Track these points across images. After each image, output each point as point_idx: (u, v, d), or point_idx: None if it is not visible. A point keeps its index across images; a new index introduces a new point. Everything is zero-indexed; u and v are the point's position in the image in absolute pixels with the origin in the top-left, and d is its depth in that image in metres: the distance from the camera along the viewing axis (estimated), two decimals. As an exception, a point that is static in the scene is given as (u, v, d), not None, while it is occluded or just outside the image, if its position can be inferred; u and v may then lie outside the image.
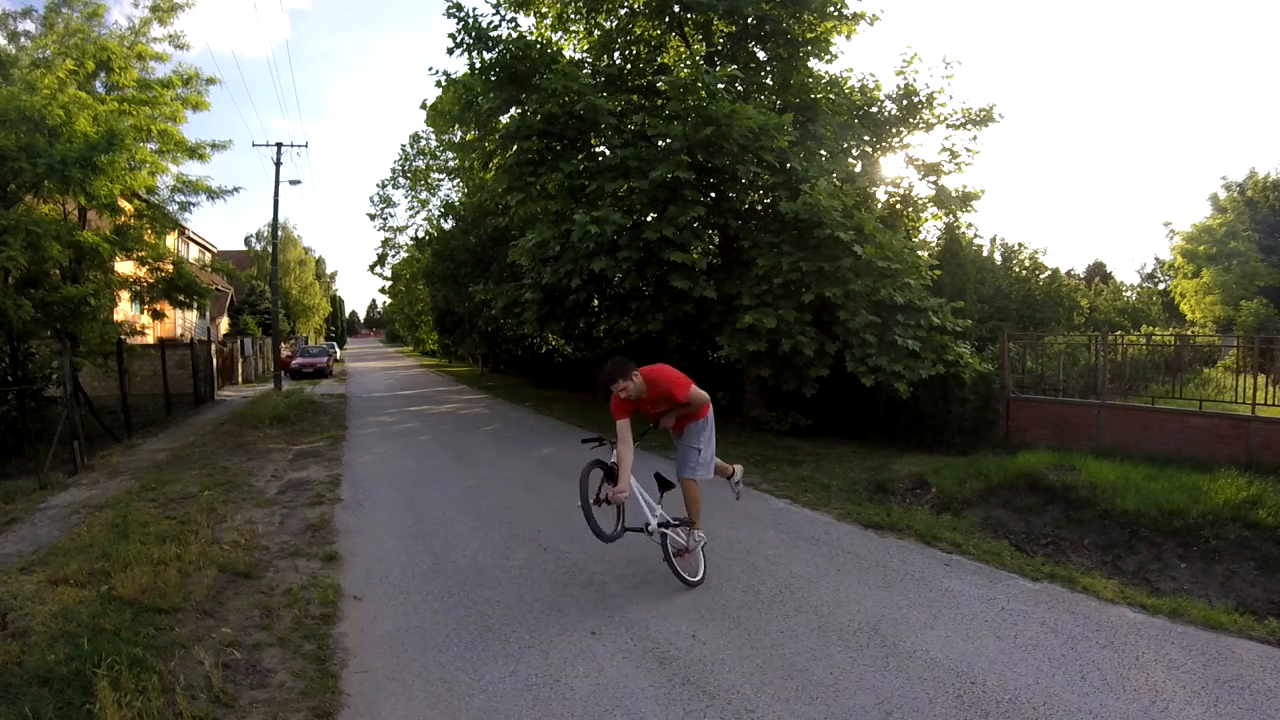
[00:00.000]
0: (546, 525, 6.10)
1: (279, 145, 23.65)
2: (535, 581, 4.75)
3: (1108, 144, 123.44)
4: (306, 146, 70.75)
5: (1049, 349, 11.43)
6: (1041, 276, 19.95)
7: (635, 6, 12.68)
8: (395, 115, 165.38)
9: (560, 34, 13.66)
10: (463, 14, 11.84)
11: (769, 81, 12.48)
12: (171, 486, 7.58)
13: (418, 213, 36.18)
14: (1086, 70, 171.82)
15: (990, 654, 3.61)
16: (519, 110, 12.24)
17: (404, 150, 36.70)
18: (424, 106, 17.42)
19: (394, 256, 38.44)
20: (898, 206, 13.24)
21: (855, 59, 62.31)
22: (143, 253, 12.71)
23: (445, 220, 28.49)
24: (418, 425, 13.44)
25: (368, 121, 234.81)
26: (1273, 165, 32.68)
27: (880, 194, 13.24)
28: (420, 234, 31.96)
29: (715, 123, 9.98)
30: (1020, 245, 21.18)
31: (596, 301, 13.97)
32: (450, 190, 33.46)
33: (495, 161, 13.40)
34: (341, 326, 79.82)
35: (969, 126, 12.96)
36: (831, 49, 12.67)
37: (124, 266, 13.14)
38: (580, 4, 12.91)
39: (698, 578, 4.58)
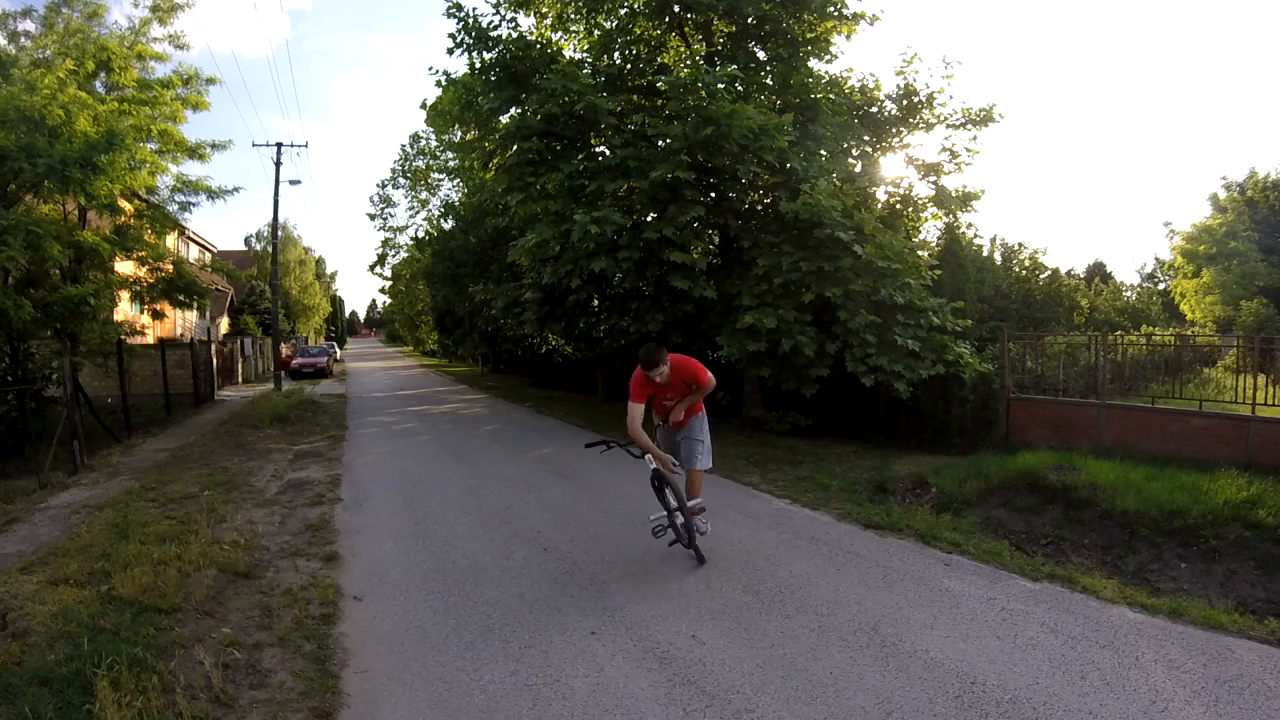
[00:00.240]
0: (546, 525, 6.10)
1: (279, 145, 23.69)
2: (535, 581, 4.75)
3: (1108, 144, 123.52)
4: (306, 146, 70.73)
5: (1049, 349, 11.43)
6: (1041, 276, 19.93)
7: (635, 6, 12.67)
8: (395, 115, 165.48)
9: (560, 34, 13.66)
10: (463, 14, 11.85)
11: (769, 81, 12.48)
12: (171, 486, 7.58)
13: (418, 213, 36.27)
14: (1086, 70, 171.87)
15: (990, 654, 3.61)
16: (519, 110, 12.24)
17: (404, 150, 36.80)
18: (424, 106, 17.45)
19: (394, 256, 38.52)
20: (898, 206, 13.24)
21: (855, 59, 62.41)
22: (143, 253, 12.70)
23: (445, 220, 28.50)
24: (418, 425, 13.44)
25: (368, 121, 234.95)
26: (1273, 165, 32.63)
27: (880, 194, 13.24)
28: (420, 234, 32.00)
29: (715, 123, 9.98)
30: (1020, 245, 21.16)
31: (596, 301, 13.98)
32: (450, 190, 33.53)
33: (495, 161, 13.41)
34: (341, 326, 79.84)
35: (969, 126, 12.96)
36: (831, 49, 12.68)
37: (124, 266, 13.14)
38: (580, 4, 12.91)
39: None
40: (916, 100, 12.91)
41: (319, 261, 60.96)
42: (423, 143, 34.58)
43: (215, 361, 20.61)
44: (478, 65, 12.05)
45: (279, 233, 26.85)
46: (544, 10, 13.37)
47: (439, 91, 13.50)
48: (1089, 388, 10.13)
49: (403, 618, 4.20)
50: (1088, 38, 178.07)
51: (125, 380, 13.31)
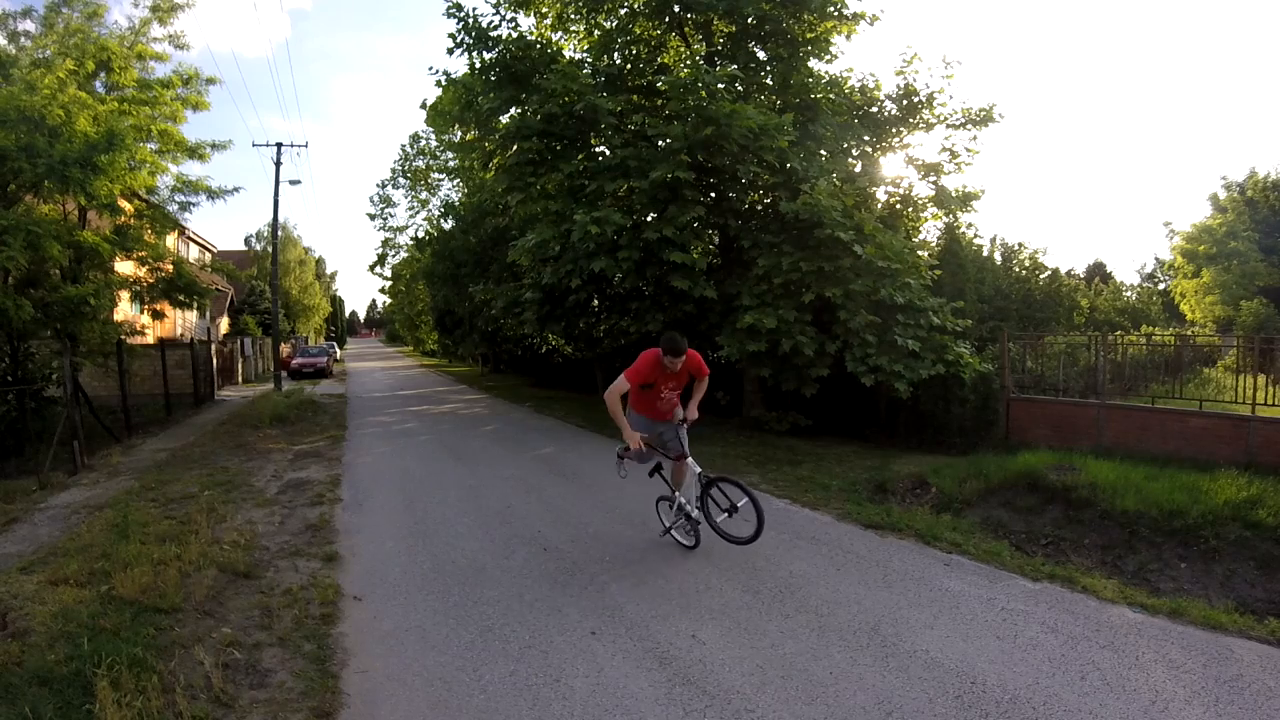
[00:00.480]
0: (546, 525, 6.10)
1: (279, 145, 23.66)
2: (535, 581, 4.75)
3: (1108, 144, 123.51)
4: (306, 146, 70.70)
5: (1049, 349, 11.43)
6: (1041, 276, 19.94)
7: (635, 6, 12.67)
8: (395, 115, 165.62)
9: (560, 34, 13.67)
10: (463, 14, 11.85)
11: (769, 81, 12.48)
12: (171, 486, 7.58)
13: (418, 213, 36.26)
14: (1086, 70, 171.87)
15: (990, 654, 3.61)
16: (519, 110, 12.24)
17: (404, 150, 36.79)
18: (424, 106, 17.49)
19: (394, 256, 38.51)
20: (898, 206, 13.24)
21: (855, 59, 62.25)
22: (143, 253, 12.69)
23: (445, 220, 28.50)
24: (417, 425, 13.44)
25: (368, 121, 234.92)
26: (1273, 165, 32.63)
27: (880, 194, 13.24)
28: (420, 234, 32.00)
29: (715, 123, 9.98)
30: (1020, 245, 21.17)
31: (596, 301, 13.97)
32: (450, 190, 33.53)
33: (495, 161, 13.41)
34: (341, 326, 79.82)
35: (969, 126, 12.96)
36: (831, 49, 12.67)
37: (124, 266, 13.13)
38: (580, 4, 12.91)
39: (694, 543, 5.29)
40: (916, 100, 12.91)
41: (319, 261, 61.00)
42: (423, 143, 34.60)
43: (215, 361, 20.61)
44: (478, 65, 12.05)
45: (279, 233, 26.85)
46: (544, 10, 13.37)
47: (439, 91, 13.52)
48: (1089, 388, 10.13)
49: (403, 618, 4.20)
50: (1088, 38, 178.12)
51: (125, 380, 13.32)
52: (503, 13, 12.19)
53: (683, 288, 10.81)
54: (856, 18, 12.37)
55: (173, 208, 13.79)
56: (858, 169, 12.73)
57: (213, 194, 14.01)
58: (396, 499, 7.26)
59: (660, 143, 11.25)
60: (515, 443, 11.05)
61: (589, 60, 13.02)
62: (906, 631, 3.88)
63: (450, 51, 12.09)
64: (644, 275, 11.60)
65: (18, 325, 9.92)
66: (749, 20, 11.95)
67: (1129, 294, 28.46)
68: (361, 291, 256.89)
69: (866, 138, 12.93)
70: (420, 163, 35.16)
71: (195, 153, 13.61)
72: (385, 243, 37.83)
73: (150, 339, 17.99)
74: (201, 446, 10.65)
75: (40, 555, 5.22)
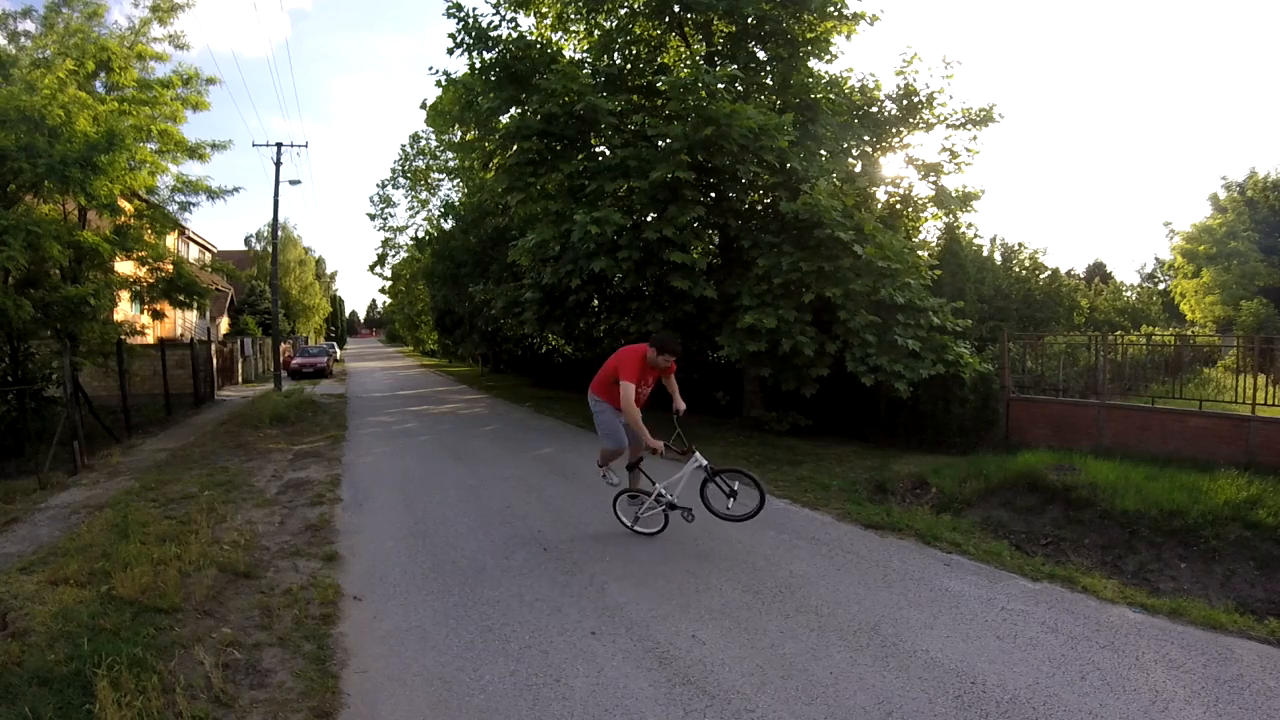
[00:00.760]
0: (546, 525, 6.10)
1: (279, 145, 23.68)
2: (535, 581, 4.75)
3: (1108, 144, 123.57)
4: (306, 146, 70.72)
5: (1049, 349, 11.43)
6: (1041, 276, 19.91)
7: (635, 6, 12.67)
8: (395, 115, 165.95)
9: (560, 34, 13.66)
10: (463, 14, 11.84)
11: (769, 81, 12.47)
12: (171, 486, 7.58)
13: (418, 213, 36.29)
14: (1086, 70, 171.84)
15: (990, 654, 3.61)
16: (519, 110, 12.23)
17: (404, 150, 36.82)
18: (424, 106, 17.47)
19: (394, 256, 38.54)
20: (898, 206, 13.24)
21: (855, 59, 62.40)
22: (143, 253, 12.70)
23: (445, 220, 28.52)
24: (417, 425, 13.44)
25: (368, 121, 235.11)
26: (1273, 165, 32.64)
27: (880, 194, 13.24)
28: (420, 234, 32.03)
29: (715, 123, 9.98)
30: (1020, 245, 21.12)
31: (596, 301, 13.97)
32: (450, 190, 33.54)
33: (495, 161, 13.40)
34: (341, 326, 79.82)
35: (969, 126, 12.96)
36: (831, 49, 12.66)
37: (124, 266, 13.14)
38: (580, 4, 12.91)
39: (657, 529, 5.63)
40: (916, 100, 12.91)
41: (319, 261, 61.01)
42: (423, 143, 34.62)
43: (215, 361, 20.61)
44: (478, 65, 12.04)
45: (279, 233, 26.84)
46: (544, 10, 13.36)
47: (439, 91, 13.50)
48: (1089, 388, 10.13)
49: (403, 618, 4.20)
50: (1088, 38, 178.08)
51: (125, 380, 13.32)
52: (503, 13, 12.19)
53: (683, 288, 10.81)
54: (856, 18, 12.37)
55: (173, 208, 13.81)
56: (858, 169, 12.73)
57: (213, 194, 14.03)
58: (396, 499, 7.26)
59: (660, 143, 11.24)
60: (515, 443, 11.05)
61: (589, 60, 13.02)
62: (906, 631, 3.88)
63: (450, 51, 12.09)
64: (644, 275, 11.60)
65: (18, 325, 9.92)
66: (749, 20, 11.95)
67: (1129, 294, 28.40)
68: (361, 291, 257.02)
69: (866, 138, 12.92)
70: (420, 163, 35.19)
71: (195, 153, 13.62)
72: (385, 243, 37.88)
73: (150, 339, 18.00)
74: (201, 446, 10.65)
75: (40, 555, 5.22)
